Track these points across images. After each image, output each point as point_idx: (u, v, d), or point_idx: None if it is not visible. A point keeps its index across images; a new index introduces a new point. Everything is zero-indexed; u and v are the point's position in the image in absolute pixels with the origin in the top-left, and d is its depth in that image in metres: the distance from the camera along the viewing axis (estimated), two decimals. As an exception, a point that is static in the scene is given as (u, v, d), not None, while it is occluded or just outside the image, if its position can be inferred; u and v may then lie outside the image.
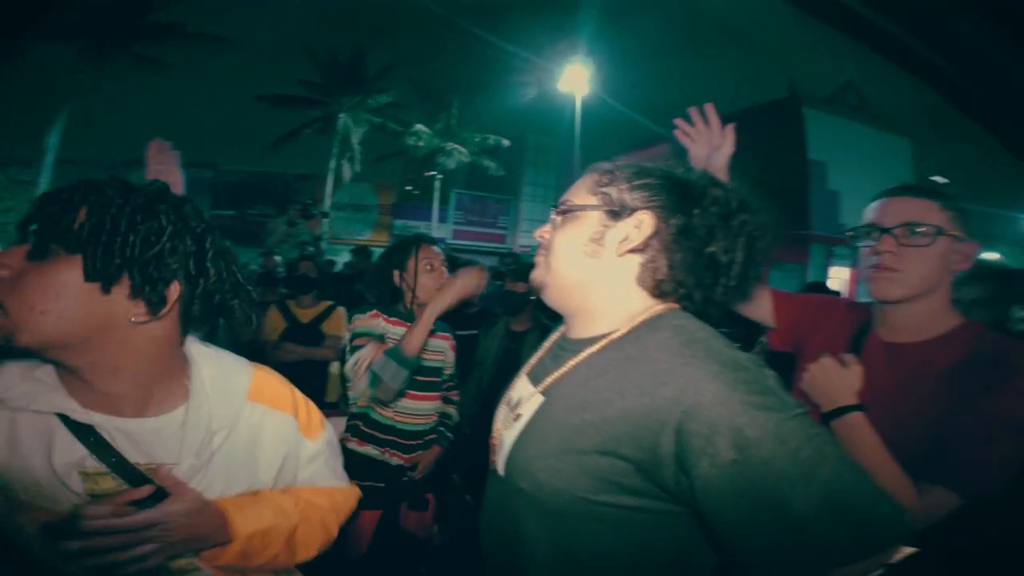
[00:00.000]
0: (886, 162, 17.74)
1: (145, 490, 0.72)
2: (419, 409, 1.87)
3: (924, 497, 0.88)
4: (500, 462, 0.80)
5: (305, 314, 3.08)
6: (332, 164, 19.77)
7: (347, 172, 20.00)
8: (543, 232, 0.84)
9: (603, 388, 0.70)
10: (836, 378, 1.01)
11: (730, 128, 1.21)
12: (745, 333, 2.25)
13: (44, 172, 14.48)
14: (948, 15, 1.13)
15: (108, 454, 0.72)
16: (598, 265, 0.76)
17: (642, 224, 0.74)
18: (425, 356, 1.82)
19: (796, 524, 0.58)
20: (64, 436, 0.71)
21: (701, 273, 0.74)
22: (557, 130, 20.36)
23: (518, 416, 0.80)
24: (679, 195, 0.75)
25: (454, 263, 3.80)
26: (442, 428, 1.99)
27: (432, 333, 1.71)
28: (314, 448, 0.93)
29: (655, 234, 0.74)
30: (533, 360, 0.89)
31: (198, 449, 0.77)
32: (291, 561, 0.88)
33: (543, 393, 0.78)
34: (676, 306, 0.77)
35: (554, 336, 0.89)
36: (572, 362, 0.77)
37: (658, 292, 0.76)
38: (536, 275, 0.83)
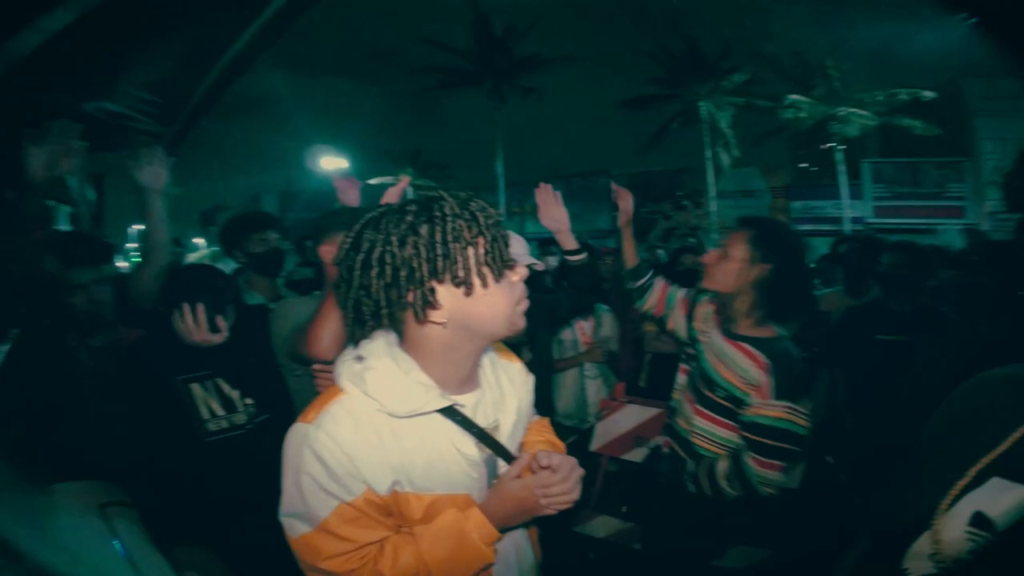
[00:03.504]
0: None
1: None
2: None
3: None
4: None
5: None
6: (707, 153, 19.31)
7: (724, 158, 19.17)
8: None
9: None
10: None
11: None
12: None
13: (500, 195, 20.51)
14: None
15: (471, 426, 0.88)
16: None
17: None
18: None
19: None
20: (444, 423, 0.86)
21: None
22: (1001, 66, 13.43)
23: None
24: None
25: (877, 246, 2.84)
26: None
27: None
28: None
29: None
30: None
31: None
32: None
33: None
34: None
35: None
36: None
37: None
38: None
